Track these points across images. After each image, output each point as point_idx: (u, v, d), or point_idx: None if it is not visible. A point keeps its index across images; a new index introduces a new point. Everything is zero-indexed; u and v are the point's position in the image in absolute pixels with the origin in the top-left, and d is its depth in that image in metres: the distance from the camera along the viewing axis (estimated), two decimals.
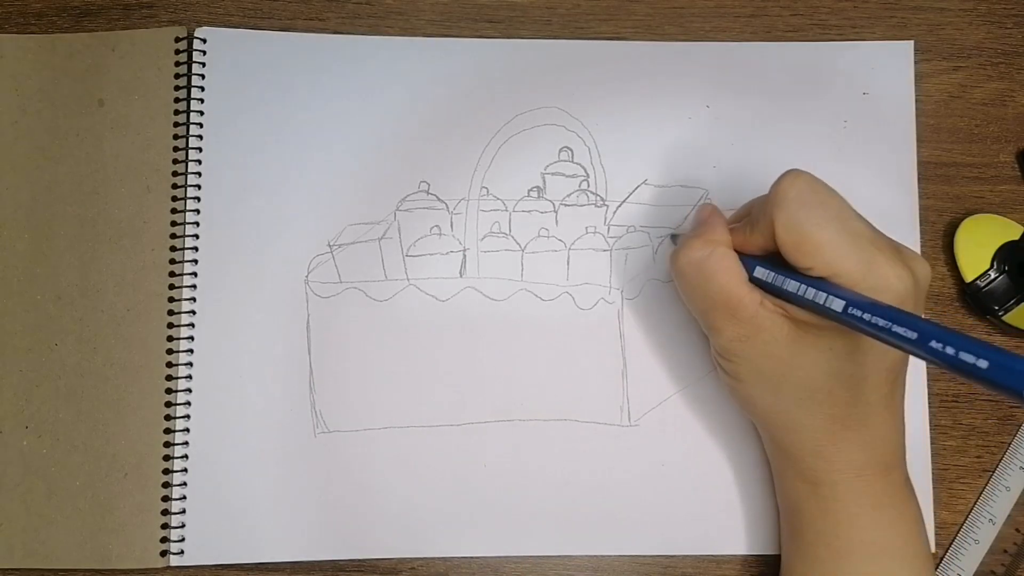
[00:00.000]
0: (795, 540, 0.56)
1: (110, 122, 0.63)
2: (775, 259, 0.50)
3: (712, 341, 0.54)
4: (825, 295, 0.46)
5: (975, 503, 0.61)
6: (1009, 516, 0.61)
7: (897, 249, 0.49)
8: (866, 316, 0.44)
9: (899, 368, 0.52)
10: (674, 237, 0.61)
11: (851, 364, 0.49)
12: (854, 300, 0.45)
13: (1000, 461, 0.62)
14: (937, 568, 0.60)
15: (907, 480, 0.54)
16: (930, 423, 0.61)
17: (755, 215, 0.51)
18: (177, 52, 0.64)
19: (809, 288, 0.47)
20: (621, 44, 0.65)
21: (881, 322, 0.43)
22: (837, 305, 0.46)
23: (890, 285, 0.47)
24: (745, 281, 0.51)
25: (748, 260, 0.52)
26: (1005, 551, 0.60)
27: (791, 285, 0.49)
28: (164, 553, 0.59)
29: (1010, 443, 0.62)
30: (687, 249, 0.52)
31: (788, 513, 0.56)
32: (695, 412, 0.61)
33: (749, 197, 0.61)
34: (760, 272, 0.51)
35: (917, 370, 0.62)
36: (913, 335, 0.41)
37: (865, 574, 0.52)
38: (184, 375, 0.61)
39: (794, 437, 0.53)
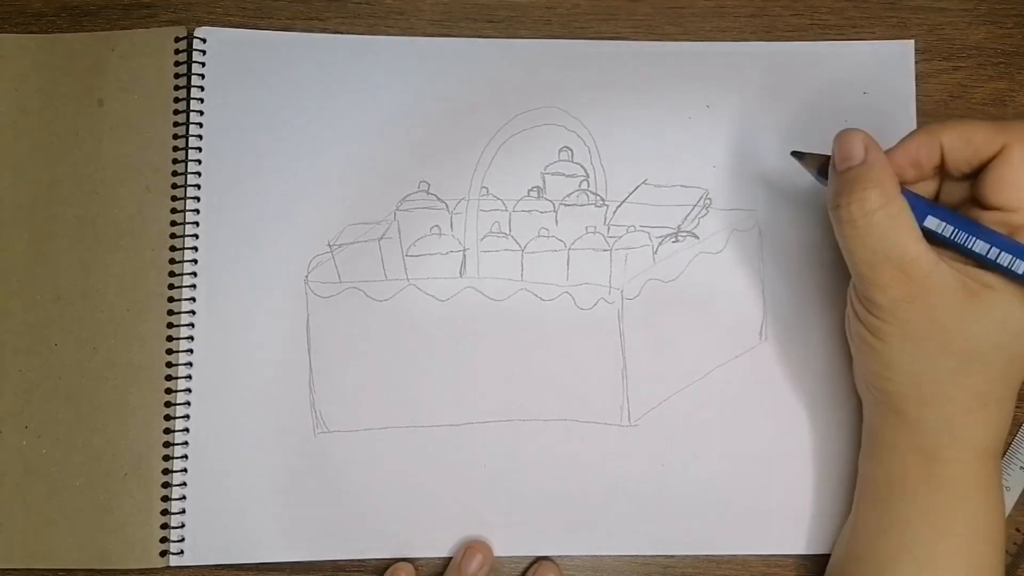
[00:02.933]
0: (889, 514, 0.54)
1: (110, 122, 0.63)
2: (945, 208, 0.50)
3: (867, 296, 0.51)
4: (1015, 259, 0.47)
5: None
6: (1009, 516, 0.61)
7: None
8: None
9: None
10: (798, 155, 0.58)
11: (1015, 339, 0.49)
12: None
13: (1000, 461, 0.61)
14: None
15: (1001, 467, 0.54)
16: None
17: (960, 144, 0.50)
18: (177, 52, 0.64)
19: (996, 248, 0.47)
20: (621, 44, 0.65)
21: None
22: None
23: None
24: (921, 237, 0.49)
25: (918, 204, 0.50)
26: (1005, 551, 0.60)
27: (979, 245, 0.48)
28: (164, 553, 0.59)
29: (1010, 443, 0.61)
30: (859, 201, 0.49)
31: (886, 485, 0.54)
32: (695, 412, 0.61)
33: (749, 197, 0.62)
34: (933, 223, 0.50)
35: None
36: None
37: (961, 555, 0.52)
38: (184, 375, 0.61)
39: (929, 409, 0.51)
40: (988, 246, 0.48)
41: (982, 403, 0.50)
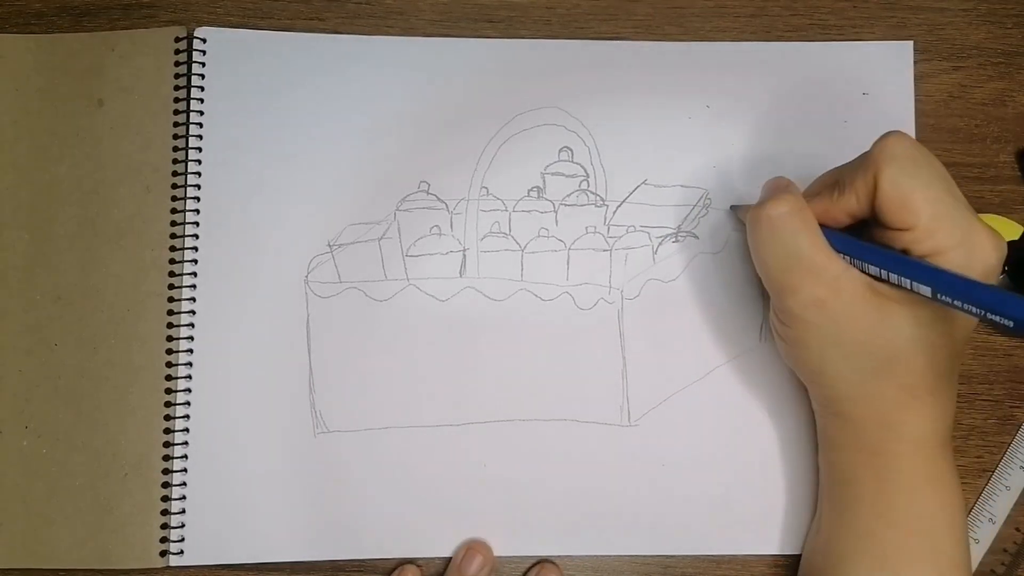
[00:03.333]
0: (844, 513, 0.55)
1: (110, 122, 0.63)
2: (851, 234, 0.51)
3: (779, 304, 0.53)
4: (910, 281, 0.47)
5: (975, 502, 0.61)
6: (1009, 515, 0.61)
7: (983, 220, 0.49)
8: (958, 301, 0.44)
9: (967, 335, 0.52)
10: (735, 208, 0.62)
11: (932, 332, 0.49)
12: (944, 280, 0.45)
13: (1000, 460, 0.62)
14: None
15: (953, 458, 0.54)
16: None
17: (849, 176, 0.51)
18: (177, 52, 0.64)
19: (893, 272, 0.48)
20: (621, 44, 0.65)
21: (975, 308, 0.43)
22: (925, 290, 0.46)
23: (986, 254, 0.48)
24: (828, 245, 0.50)
25: (826, 233, 0.51)
26: (1005, 550, 0.60)
27: (872, 269, 0.49)
28: (164, 553, 0.59)
29: (1010, 443, 0.62)
30: (773, 203, 0.51)
31: (837, 484, 0.56)
32: (695, 412, 0.61)
33: (749, 197, 0.62)
34: (839, 245, 0.51)
35: None
36: (1010, 323, 0.41)
37: (915, 548, 0.52)
38: (184, 375, 0.61)
39: (861, 406, 0.52)
40: (878, 269, 0.49)
41: (912, 395, 0.51)
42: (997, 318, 0.42)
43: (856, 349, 0.50)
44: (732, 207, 0.62)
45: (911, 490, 0.52)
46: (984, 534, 0.61)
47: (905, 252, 0.49)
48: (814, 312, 0.50)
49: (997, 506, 0.61)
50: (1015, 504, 0.61)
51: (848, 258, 0.51)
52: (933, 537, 0.52)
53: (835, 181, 0.53)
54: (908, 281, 0.47)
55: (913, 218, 0.48)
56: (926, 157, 0.50)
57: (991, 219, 0.62)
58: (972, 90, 0.65)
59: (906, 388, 0.51)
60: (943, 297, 0.45)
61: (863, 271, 0.50)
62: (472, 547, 0.59)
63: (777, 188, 0.54)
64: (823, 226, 0.52)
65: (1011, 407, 0.62)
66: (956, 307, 0.44)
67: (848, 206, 0.51)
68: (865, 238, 0.52)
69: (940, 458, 0.52)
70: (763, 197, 0.54)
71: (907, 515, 0.52)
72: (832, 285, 0.50)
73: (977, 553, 0.60)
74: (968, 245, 0.47)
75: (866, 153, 0.51)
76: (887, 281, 0.49)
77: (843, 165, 0.53)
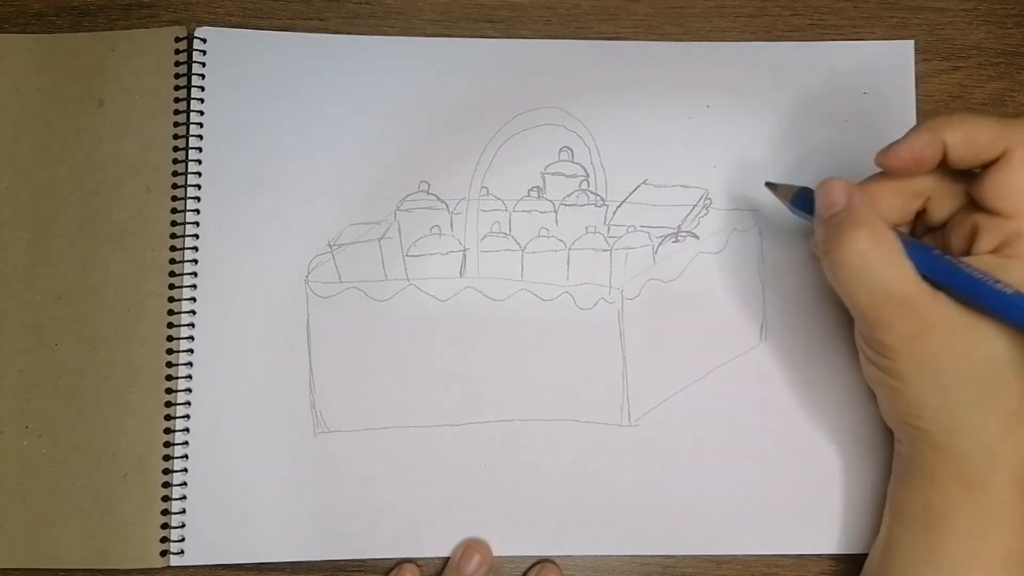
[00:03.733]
0: (925, 540, 0.52)
1: (110, 122, 0.63)
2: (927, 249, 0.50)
3: (872, 338, 0.51)
4: (994, 291, 0.46)
5: None
6: None
7: None
8: None
9: None
10: (772, 186, 0.59)
11: None
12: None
13: None
14: None
15: None
16: None
17: (962, 145, 0.49)
18: (177, 52, 0.64)
19: (981, 303, 0.47)
20: (621, 44, 0.65)
21: None
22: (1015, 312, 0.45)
23: None
24: (915, 273, 0.48)
25: (910, 252, 0.49)
26: None
27: (966, 285, 0.48)
28: (164, 553, 0.59)
29: None
30: (850, 242, 0.48)
31: (924, 516, 0.52)
32: (696, 412, 0.61)
33: (749, 197, 0.62)
34: (924, 267, 0.49)
35: None
36: None
37: None
38: (184, 375, 0.61)
39: (964, 439, 0.50)
40: (964, 296, 0.48)
41: (1015, 421, 0.49)
42: None
43: (955, 379, 0.49)
44: (768, 184, 0.60)
45: (1005, 523, 0.50)
46: None
47: (1003, 246, 0.48)
48: (911, 344, 0.49)
49: None
50: None
51: (931, 278, 0.49)
52: (1017, 571, 0.50)
53: (928, 138, 0.50)
54: (997, 312, 0.46)
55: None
56: None
57: None
58: (972, 90, 0.65)
59: (1008, 414, 0.49)
60: None
61: (946, 290, 0.49)
62: (470, 546, 0.59)
63: (840, 210, 0.51)
64: (906, 238, 0.50)
65: None
66: None
67: (929, 186, 0.51)
68: (939, 242, 0.51)
69: None
70: (823, 218, 0.52)
71: (999, 549, 0.50)
72: (927, 316, 0.48)
73: None
74: None
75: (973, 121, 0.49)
76: (973, 306, 0.48)
77: (922, 133, 0.51)
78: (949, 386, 0.49)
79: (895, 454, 0.56)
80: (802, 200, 0.56)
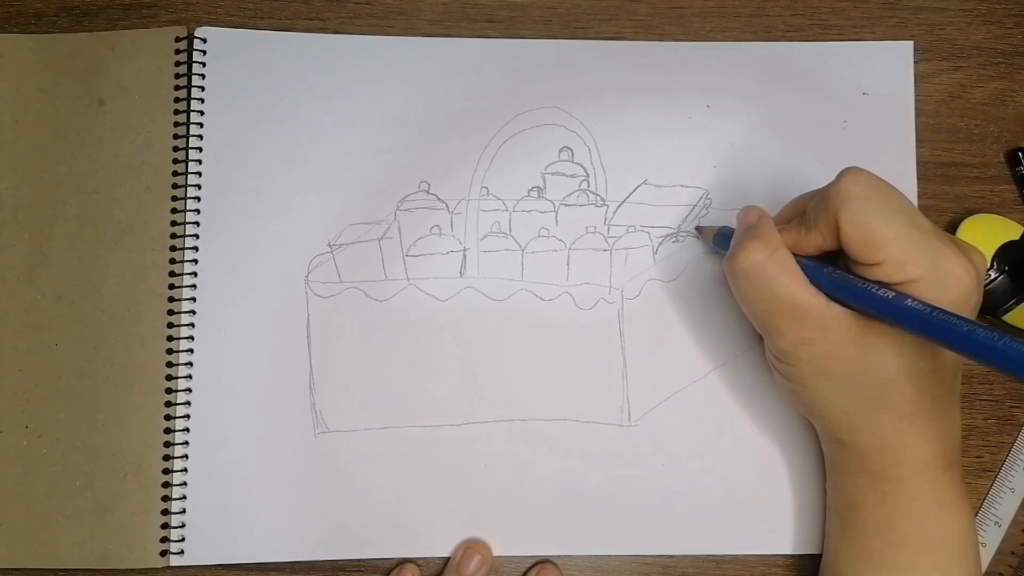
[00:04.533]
0: (848, 533, 0.55)
1: (110, 122, 0.63)
2: (825, 260, 0.52)
3: (771, 344, 0.53)
4: (890, 306, 0.47)
5: (980, 506, 0.61)
6: (1015, 518, 0.61)
7: (955, 242, 0.49)
8: (937, 335, 0.44)
9: (961, 360, 0.52)
10: (699, 229, 0.62)
11: (920, 359, 0.49)
12: (918, 313, 0.45)
13: (1004, 462, 0.62)
14: None
15: (962, 476, 0.54)
16: None
17: (812, 214, 0.51)
18: (177, 52, 0.64)
19: (874, 311, 0.48)
20: (621, 44, 0.65)
21: (955, 341, 0.43)
22: (905, 319, 0.46)
23: (958, 278, 0.47)
24: (808, 283, 0.51)
25: (801, 263, 0.51)
26: (1012, 552, 0.60)
27: (852, 295, 0.49)
28: (164, 553, 0.59)
29: (1012, 444, 0.62)
30: (746, 251, 0.52)
31: (844, 508, 0.56)
32: (695, 412, 0.61)
33: (749, 197, 0.62)
34: (818, 277, 0.51)
35: None
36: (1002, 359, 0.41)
37: (921, 567, 0.52)
38: (184, 375, 0.61)
39: (860, 436, 0.53)
40: (860, 307, 0.49)
41: (910, 422, 0.51)
42: (966, 352, 0.42)
43: (847, 382, 0.51)
44: (697, 228, 0.62)
45: (916, 513, 0.52)
46: (990, 537, 0.60)
47: (879, 283, 0.49)
48: (803, 350, 0.51)
49: (1002, 509, 0.61)
50: (1020, 506, 0.61)
51: (828, 293, 0.50)
52: (941, 558, 0.52)
53: (801, 213, 0.53)
54: (886, 317, 0.47)
55: (880, 254, 0.48)
56: (884, 192, 0.50)
57: (990, 219, 0.62)
58: (972, 90, 0.65)
59: (903, 415, 0.51)
60: (919, 332, 0.45)
61: (845, 305, 0.50)
62: (470, 546, 0.59)
63: (748, 227, 0.54)
64: (802, 257, 0.52)
65: (1011, 407, 0.62)
66: (932, 341, 0.45)
67: (816, 242, 0.51)
68: (841, 266, 0.52)
69: (945, 480, 0.52)
70: (735, 236, 0.55)
71: (914, 537, 0.52)
72: (817, 324, 0.50)
73: (984, 557, 0.60)
74: (939, 273, 0.47)
75: (827, 189, 0.51)
76: (869, 315, 0.49)
77: (809, 194, 0.54)
78: (843, 388, 0.51)
79: (824, 455, 0.59)
80: (722, 238, 0.58)
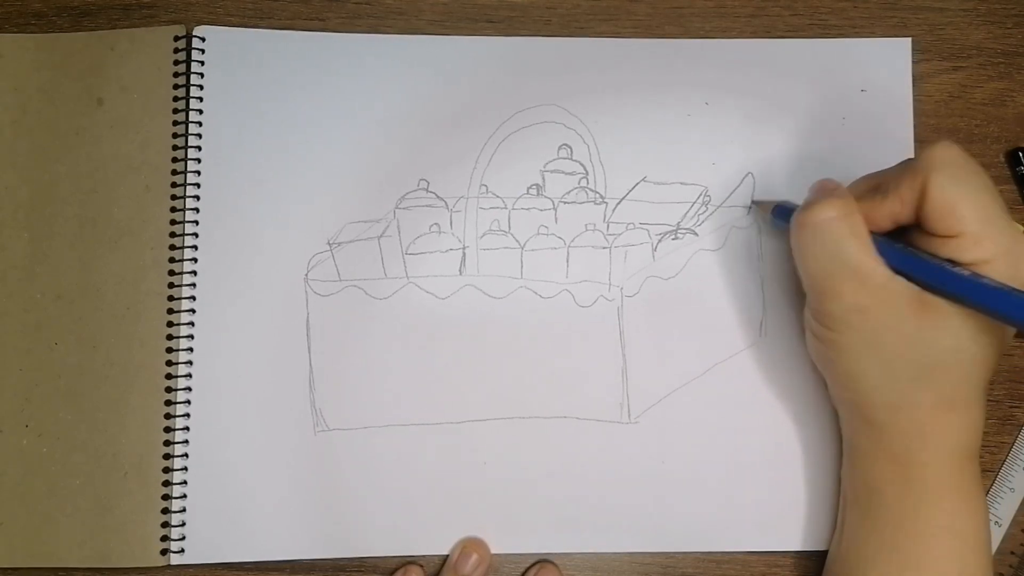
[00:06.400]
0: (868, 523, 0.55)
1: (109, 121, 0.63)
2: (895, 238, 0.51)
3: (820, 307, 0.53)
4: (957, 293, 0.47)
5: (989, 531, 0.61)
6: (1014, 518, 0.61)
7: None
8: (1003, 313, 0.45)
9: (1005, 349, 0.53)
10: (755, 203, 0.62)
11: (972, 344, 0.49)
12: (996, 292, 0.46)
13: (1004, 462, 0.61)
14: None
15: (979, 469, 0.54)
16: None
17: (893, 181, 0.51)
18: (176, 51, 0.64)
19: (940, 284, 0.48)
20: (620, 42, 0.65)
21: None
22: (980, 297, 0.46)
23: None
24: (875, 251, 0.50)
25: (874, 239, 0.51)
26: (1012, 553, 0.60)
27: (923, 270, 0.49)
28: (165, 552, 0.59)
29: (1012, 444, 0.62)
30: (821, 206, 0.51)
31: (864, 495, 0.55)
32: (696, 409, 0.61)
33: (748, 194, 0.62)
34: (886, 250, 0.50)
35: None
36: None
37: (939, 558, 0.52)
38: (184, 374, 0.61)
39: (895, 415, 0.52)
40: (924, 279, 0.49)
41: (949, 406, 0.51)
42: None
43: (895, 356, 0.50)
44: (754, 202, 0.63)
45: (936, 501, 0.52)
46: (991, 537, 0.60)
47: (950, 261, 0.49)
48: (856, 317, 0.50)
49: (1002, 509, 0.61)
50: (1020, 506, 0.61)
51: (894, 267, 0.50)
52: (957, 549, 0.52)
53: (878, 185, 0.52)
54: (959, 295, 0.47)
55: (960, 225, 0.48)
56: (973, 166, 0.50)
57: None
58: (972, 90, 0.65)
59: (943, 398, 0.50)
60: (994, 310, 0.45)
61: (910, 280, 0.50)
62: (468, 545, 0.59)
63: (824, 191, 0.53)
64: (871, 231, 0.51)
65: (1011, 407, 0.62)
66: (1008, 320, 0.45)
67: (892, 211, 0.51)
68: (908, 244, 0.52)
69: (967, 471, 0.52)
70: (810, 199, 0.53)
71: (931, 526, 0.52)
72: (877, 293, 0.49)
73: None
74: (1014, 255, 0.47)
75: (911, 159, 0.51)
76: (935, 292, 0.49)
77: (886, 169, 0.53)
78: (890, 361, 0.50)
79: (843, 439, 0.58)
80: (782, 210, 0.58)
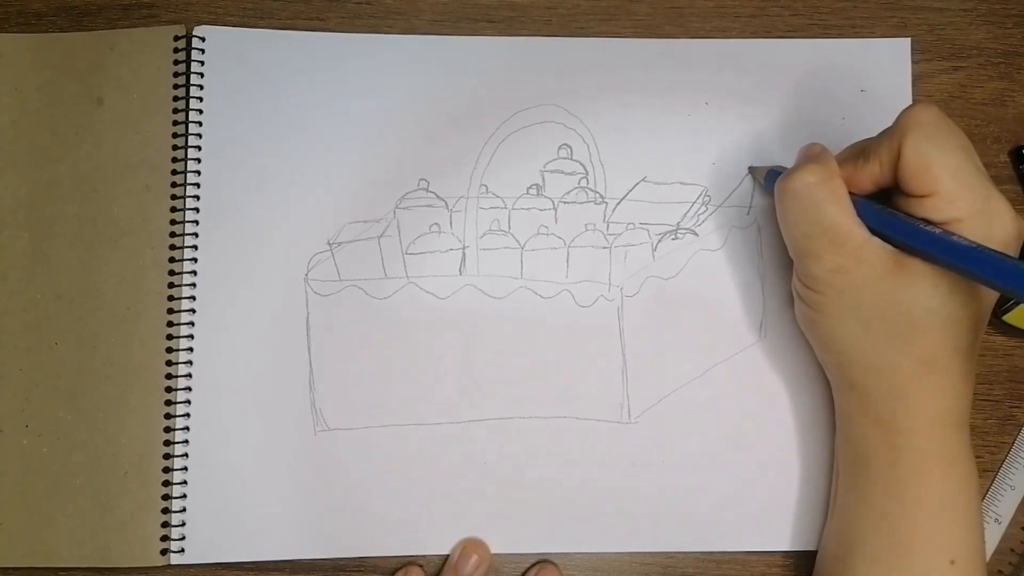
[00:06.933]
0: (857, 491, 0.55)
1: (109, 121, 0.63)
2: (877, 201, 0.52)
3: (804, 270, 0.54)
4: (932, 252, 0.48)
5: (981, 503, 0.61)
6: (1014, 516, 0.61)
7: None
8: (976, 271, 0.45)
9: (987, 313, 0.52)
10: (752, 169, 0.63)
11: (951, 303, 0.49)
12: (964, 249, 0.46)
13: (1003, 462, 0.61)
14: None
15: (970, 439, 0.54)
16: None
17: (874, 144, 0.52)
18: (176, 51, 0.64)
19: (915, 242, 0.49)
20: (620, 41, 0.65)
21: (1000, 276, 0.44)
22: (950, 254, 0.47)
23: (1004, 224, 0.49)
24: (855, 214, 0.51)
25: (854, 201, 0.52)
26: (1012, 550, 0.60)
27: (897, 229, 0.50)
28: (165, 551, 0.59)
29: (1013, 442, 0.62)
30: (801, 172, 0.52)
31: (854, 463, 0.55)
32: (695, 409, 0.61)
33: (748, 194, 0.62)
34: (865, 212, 0.51)
35: None
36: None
37: (929, 529, 0.52)
38: (184, 374, 0.61)
39: (877, 378, 0.53)
40: (901, 239, 0.50)
41: (928, 369, 0.51)
42: (1006, 286, 0.43)
43: (873, 316, 0.51)
44: (750, 168, 0.63)
45: (925, 470, 0.52)
46: (990, 535, 0.60)
47: (926, 220, 0.49)
48: (837, 278, 0.51)
49: (1002, 507, 0.61)
50: (1020, 505, 0.61)
51: (873, 228, 0.51)
52: (947, 520, 0.52)
53: (863, 149, 0.53)
54: (930, 253, 0.48)
55: (934, 184, 0.48)
56: (950, 126, 0.50)
57: None
58: (972, 90, 0.65)
59: (922, 361, 0.51)
60: (963, 267, 0.46)
61: (888, 241, 0.50)
62: (468, 545, 0.59)
63: (808, 156, 0.55)
64: (852, 193, 0.52)
65: (1011, 407, 0.62)
66: (976, 278, 0.46)
67: (872, 173, 0.52)
68: (890, 206, 0.52)
69: (955, 439, 0.52)
70: (796, 163, 0.55)
71: (921, 496, 0.52)
72: (855, 254, 0.50)
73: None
74: (988, 215, 0.48)
75: (894, 121, 0.51)
76: (910, 252, 0.49)
77: (869, 138, 0.54)
78: (866, 322, 0.51)
79: (835, 409, 0.58)
80: (773, 174, 0.59)
